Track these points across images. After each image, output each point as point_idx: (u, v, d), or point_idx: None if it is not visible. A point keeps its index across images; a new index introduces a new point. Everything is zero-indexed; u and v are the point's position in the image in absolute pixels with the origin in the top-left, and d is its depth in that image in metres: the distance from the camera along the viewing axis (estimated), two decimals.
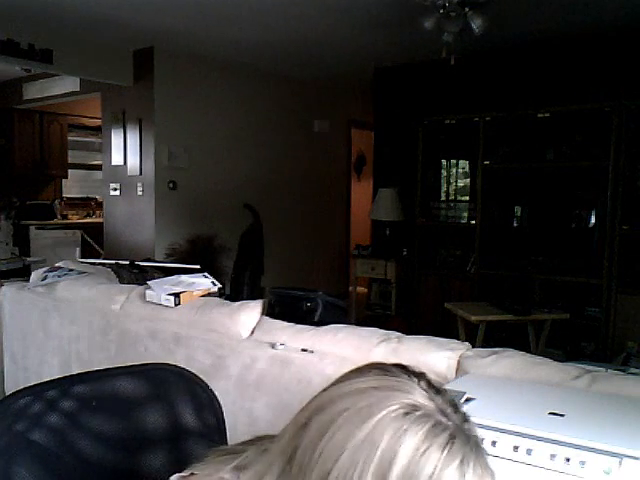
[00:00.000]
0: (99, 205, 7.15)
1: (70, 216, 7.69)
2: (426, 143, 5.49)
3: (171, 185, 5.57)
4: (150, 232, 5.52)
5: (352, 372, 0.68)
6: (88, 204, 8.03)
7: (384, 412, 0.60)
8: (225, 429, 1.10)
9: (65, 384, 1.06)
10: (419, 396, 0.62)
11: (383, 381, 0.64)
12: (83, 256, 5.80)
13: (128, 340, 2.40)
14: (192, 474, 0.74)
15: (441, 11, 3.48)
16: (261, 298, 2.36)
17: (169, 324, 2.31)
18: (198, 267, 2.95)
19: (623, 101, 4.44)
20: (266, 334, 2.09)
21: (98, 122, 6.55)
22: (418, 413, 0.60)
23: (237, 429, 1.38)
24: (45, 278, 2.89)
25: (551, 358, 1.55)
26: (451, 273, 5.36)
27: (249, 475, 0.70)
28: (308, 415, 0.66)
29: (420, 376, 0.66)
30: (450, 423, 0.60)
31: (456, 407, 0.63)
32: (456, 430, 0.60)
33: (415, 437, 0.58)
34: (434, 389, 0.64)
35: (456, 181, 5.82)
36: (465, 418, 0.63)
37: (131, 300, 2.50)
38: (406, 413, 0.60)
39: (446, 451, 0.58)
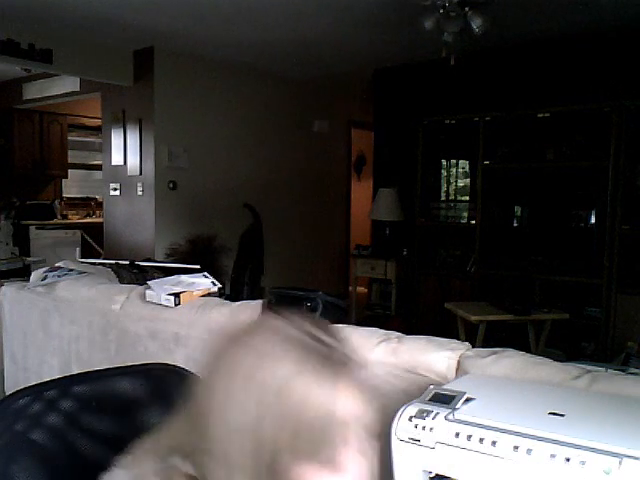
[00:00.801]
0: (99, 205, 7.15)
1: (70, 216, 7.69)
2: (426, 143, 5.49)
3: (171, 185, 5.57)
4: (150, 232, 5.52)
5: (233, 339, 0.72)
6: (88, 204, 8.03)
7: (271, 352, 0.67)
8: None
9: (65, 384, 1.06)
10: (296, 332, 0.69)
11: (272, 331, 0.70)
12: (83, 256, 5.80)
13: (128, 340, 2.40)
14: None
15: (441, 11, 3.49)
16: (261, 298, 2.35)
17: (169, 324, 2.30)
18: (198, 267, 2.95)
19: (623, 101, 4.44)
20: None
21: (98, 122, 6.54)
22: (295, 344, 0.67)
23: None
24: (45, 278, 2.89)
25: (551, 358, 1.55)
26: (451, 273, 5.36)
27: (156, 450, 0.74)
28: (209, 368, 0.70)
29: (307, 317, 0.73)
30: (324, 349, 0.68)
31: (335, 336, 0.72)
32: (329, 353, 0.68)
33: (290, 362, 0.65)
34: (318, 326, 0.72)
35: (456, 181, 5.82)
36: (341, 344, 0.72)
37: (131, 300, 2.50)
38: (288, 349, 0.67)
39: (317, 370, 0.65)
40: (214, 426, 0.67)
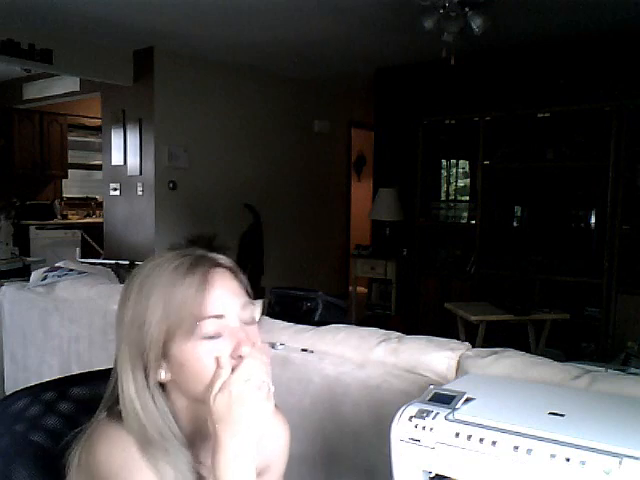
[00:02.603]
0: (99, 205, 7.16)
1: (70, 216, 7.69)
2: (426, 143, 5.49)
3: (171, 185, 5.57)
4: (150, 232, 5.52)
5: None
6: (88, 204, 8.03)
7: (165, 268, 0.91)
8: None
9: (63, 385, 1.06)
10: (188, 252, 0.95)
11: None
12: (83, 256, 5.80)
13: None
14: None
15: (441, 11, 3.49)
16: (261, 298, 2.35)
17: None
18: None
19: (623, 101, 4.44)
20: (266, 334, 2.09)
21: (98, 122, 6.55)
22: (180, 258, 0.93)
23: None
24: (45, 278, 2.89)
25: (551, 358, 1.55)
26: (451, 273, 5.36)
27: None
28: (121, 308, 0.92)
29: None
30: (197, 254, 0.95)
31: (211, 248, 1.01)
32: (198, 258, 0.94)
33: (171, 266, 0.91)
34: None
35: (456, 181, 5.82)
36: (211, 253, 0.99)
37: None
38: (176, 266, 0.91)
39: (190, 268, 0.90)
40: (124, 316, 0.90)
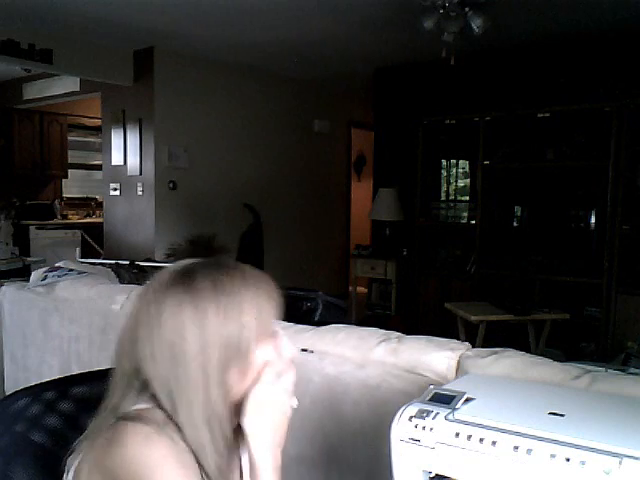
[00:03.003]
0: (99, 205, 7.15)
1: (70, 216, 7.69)
2: (426, 143, 5.49)
3: (171, 185, 5.57)
4: (150, 232, 5.52)
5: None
6: (88, 204, 8.03)
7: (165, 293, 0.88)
8: None
9: (64, 385, 1.06)
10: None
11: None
12: (83, 256, 5.79)
13: None
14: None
15: (441, 11, 3.49)
16: None
17: None
18: None
19: (623, 101, 4.44)
20: None
21: (98, 122, 6.55)
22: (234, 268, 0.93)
23: None
24: (45, 278, 2.89)
25: (551, 358, 1.55)
26: (451, 273, 5.36)
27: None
28: (132, 333, 0.88)
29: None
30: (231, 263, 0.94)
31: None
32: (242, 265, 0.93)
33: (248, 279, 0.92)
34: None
35: (456, 181, 5.82)
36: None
37: (131, 300, 2.50)
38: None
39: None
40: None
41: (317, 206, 6.94)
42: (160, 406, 0.86)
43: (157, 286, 0.89)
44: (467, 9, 3.51)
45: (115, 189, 5.81)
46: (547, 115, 4.86)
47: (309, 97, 6.77)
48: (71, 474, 0.86)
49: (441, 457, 0.99)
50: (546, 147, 4.90)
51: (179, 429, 0.84)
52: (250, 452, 0.88)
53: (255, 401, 0.88)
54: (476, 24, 3.54)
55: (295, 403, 0.92)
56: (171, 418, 0.85)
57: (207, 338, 0.85)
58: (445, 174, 5.82)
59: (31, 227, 6.76)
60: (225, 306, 0.86)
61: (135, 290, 2.55)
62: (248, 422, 0.88)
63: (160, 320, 0.86)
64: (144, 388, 0.88)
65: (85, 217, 7.82)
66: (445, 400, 1.05)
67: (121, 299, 2.54)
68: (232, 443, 0.90)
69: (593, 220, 4.83)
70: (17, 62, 4.91)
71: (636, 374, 1.54)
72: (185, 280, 0.88)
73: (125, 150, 5.67)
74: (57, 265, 3.04)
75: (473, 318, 3.97)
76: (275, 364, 0.90)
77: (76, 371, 2.14)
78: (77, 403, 1.03)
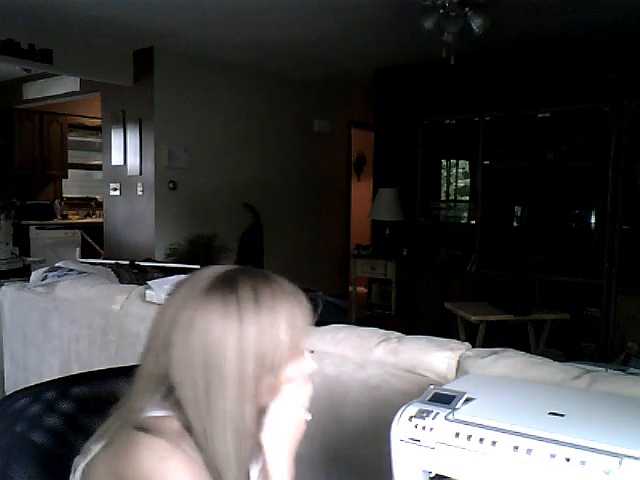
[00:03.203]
0: (99, 205, 7.15)
1: (70, 216, 7.69)
2: (426, 143, 5.49)
3: (171, 185, 5.57)
4: (150, 232, 5.52)
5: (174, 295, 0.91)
6: (88, 204, 8.03)
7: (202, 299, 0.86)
8: None
9: (64, 385, 1.06)
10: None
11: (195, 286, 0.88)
12: (83, 256, 5.79)
13: (128, 340, 2.40)
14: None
15: (441, 11, 3.49)
16: None
17: None
18: (198, 267, 2.95)
19: (623, 101, 4.44)
20: None
21: (98, 122, 6.54)
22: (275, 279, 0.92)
23: None
24: (45, 278, 2.89)
25: (551, 358, 1.55)
26: (451, 273, 5.36)
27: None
28: (165, 337, 0.85)
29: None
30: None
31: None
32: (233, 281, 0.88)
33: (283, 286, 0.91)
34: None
35: (456, 181, 5.82)
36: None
37: (131, 300, 2.50)
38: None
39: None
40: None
41: (317, 206, 6.94)
42: (179, 415, 0.85)
43: (195, 290, 0.87)
44: (467, 9, 3.51)
45: (115, 189, 5.81)
46: (547, 115, 4.86)
47: (309, 97, 6.77)
48: (78, 473, 0.86)
49: (441, 457, 0.99)
50: (546, 147, 4.90)
51: (196, 441, 0.83)
52: (266, 465, 0.89)
53: (275, 416, 0.88)
54: (476, 24, 3.54)
55: (309, 417, 0.92)
56: (189, 429, 0.84)
57: (245, 349, 0.83)
58: (445, 174, 5.83)
59: (31, 227, 6.76)
60: (264, 318, 0.85)
61: (135, 289, 2.56)
62: (267, 436, 0.88)
63: (198, 325, 0.84)
64: (169, 393, 0.86)
65: (85, 217, 7.82)
66: (445, 400, 1.05)
67: (121, 299, 2.54)
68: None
69: (593, 220, 4.83)
70: (17, 62, 4.90)
71: (636, 374, 1.54)
72: (226, 287, 0.86)
73: (125, 150, 5.67)
74: (57, 265, 3.04)
75: (473, 318, 3.97)
76: (297, 380, 0.90)
77: (76, 371, 2.14)
78: (77, 403, 1.03)
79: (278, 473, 0.88)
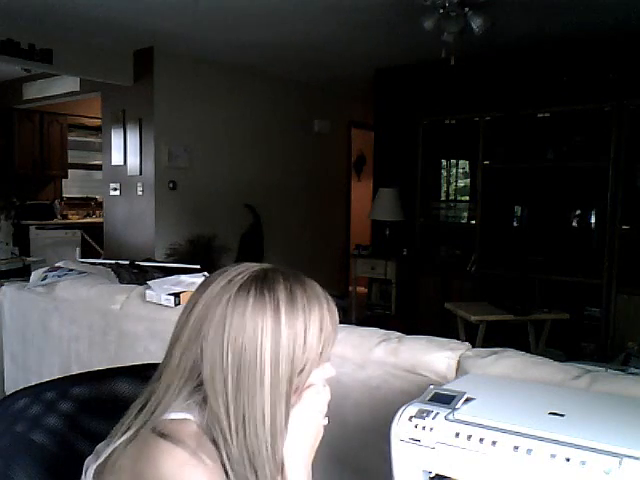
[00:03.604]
0: (99, 205, 7.15)
1: (70, 216, 7.69)
2: (426, 143, 5.49)
3: (171, 185, 5.57)
4: (150, 232, 5.52)
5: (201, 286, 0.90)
6: (88, 204, 8.03)
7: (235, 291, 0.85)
8: None
9: (64, 385, 1.06)
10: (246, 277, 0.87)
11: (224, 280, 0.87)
12: (83, 256, 5.80)
13: (128, 340, 2.40)
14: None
15: (441, 11, 3.49)
16: None
17: (169, 324, 2.29)
18: (198, 267, 2.95)
19: (623, 101, 4.44)
20: None
21: (98, 122, 6.54)
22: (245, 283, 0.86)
23: None
24: (45, 278, 2.89)
25: (551, 358, 1.55)
26: (451, 273, 5.36)
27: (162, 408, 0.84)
28: (195, 329, 0.85)
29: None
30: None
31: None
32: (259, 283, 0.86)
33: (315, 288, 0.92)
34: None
35: (456, 181, 5.82)
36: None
37: (131, 300, 2.50)
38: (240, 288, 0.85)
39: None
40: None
41: (317, 206, 6.94)
42: (200, 415, 0.83)
43: (232, 286, 0.85)
44: (467, 9, 3.51)
45: (115, 189, 5.81)
46: (547, 115, 4.86)
47: (309, 97, 6.77)
48: (90, 474, 0.84)
49: (441, 457, 0.99)
50: (546, 147, 4.90)
51: (218, 441, 0.82)
52: (285, 471, 0.88)
53: (296, 421, 0.87)
54: (476, 24, 3.54)
55: (326, 422, 0.92)
56: (208, 431, 0.82)
57: (280, 350, 0.83)
58: (445, 174, 5.83)
59: (31, 227, 6.76)
60: (299, 320, 0.85)
61: (135, 290, 2.56)
62: (288, 441, 0.87)
63: (232, 321, 0.83)
64: (196, 390, 0.85)
65: (85, 217, 7.83)
66: (445, 400, 1.05)
67: (121, 299, 2.54)
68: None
69: (593, 220, 4.83)
70: (17, 62, 4.90)
71: (636, 374, 1.54)
72: (265, 286, 0.85)
73: (125, 150, 5.67)
74: (57, 265, 3.04)
75: (473, 318, 3.97)
76: (317, 385, 0.90)
77: (76, 371, 2.14)
78: (77, 403, 1.03)
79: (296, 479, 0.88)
